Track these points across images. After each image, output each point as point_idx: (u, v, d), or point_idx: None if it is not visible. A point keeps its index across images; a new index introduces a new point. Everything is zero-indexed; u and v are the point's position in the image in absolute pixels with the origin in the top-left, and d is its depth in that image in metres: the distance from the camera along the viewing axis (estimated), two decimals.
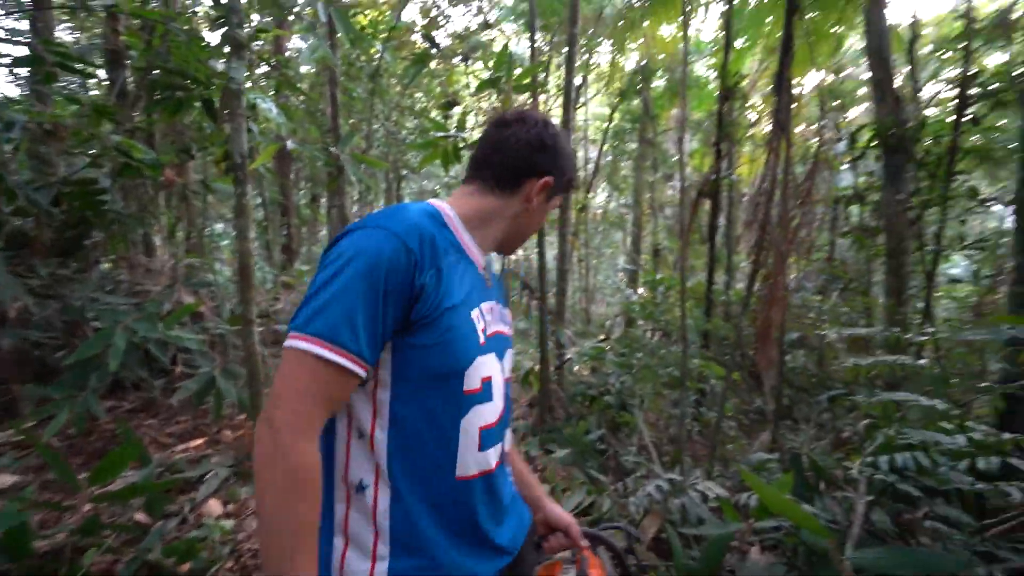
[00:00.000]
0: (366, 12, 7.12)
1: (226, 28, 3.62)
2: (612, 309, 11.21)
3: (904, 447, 1.76)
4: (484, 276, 0.99)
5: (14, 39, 4.23)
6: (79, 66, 3.39)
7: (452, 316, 0.84)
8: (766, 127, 8.84)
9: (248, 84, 3.68)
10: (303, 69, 8.63)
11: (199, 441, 3.24)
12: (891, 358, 1.53)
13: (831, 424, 4.13)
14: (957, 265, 5.85)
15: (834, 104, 2.93)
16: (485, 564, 0.91)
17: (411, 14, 9.16)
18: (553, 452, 3.77)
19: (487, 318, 0.94)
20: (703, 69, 9.66)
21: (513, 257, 9.32)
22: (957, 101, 4.12)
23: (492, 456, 0.93)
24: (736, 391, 3.78)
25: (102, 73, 4.60)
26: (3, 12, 6.02)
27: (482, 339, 0.90)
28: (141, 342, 2.85)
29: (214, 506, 2.32)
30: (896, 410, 2.05)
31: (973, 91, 4.00)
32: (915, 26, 4.07)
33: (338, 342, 0.75)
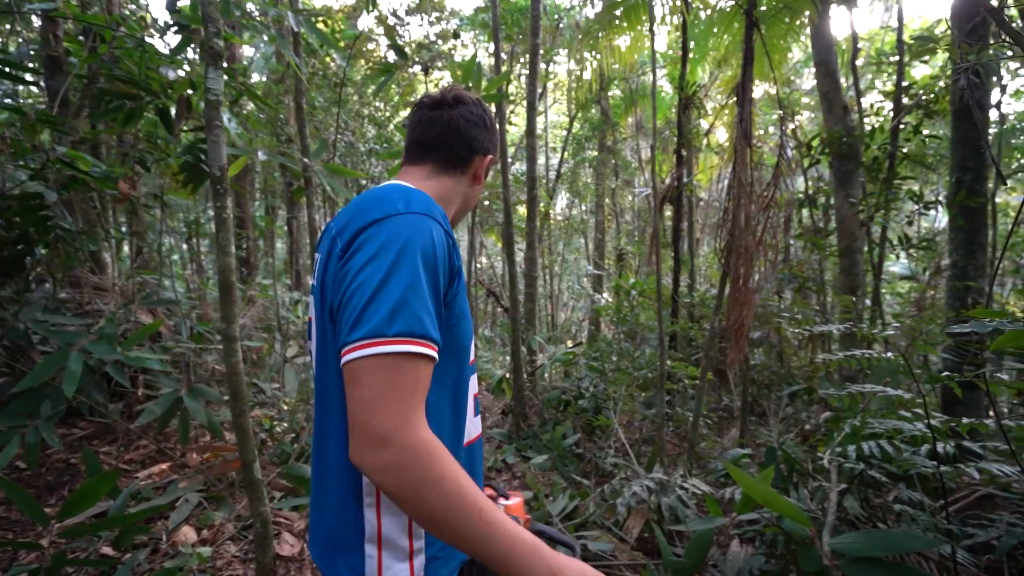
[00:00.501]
0: (324, 20, 7.01)
1: (180, 35, 3.50)
2: (578, 314, 11.37)
3: (870, 436, 1.88)
4: None
5: None
6: (18, 72, 3.19)
7: (464, 293, 0.87)
8: (719, 133, 9.23)
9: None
10: (255, 77, 8.40)
11: (163, 466, 3.08)
12: (859, 352, 1.64)
13: (794, 418, 4.33)
14: (896, 263, 6.27)
15: (783, 113, 3.10)
16: None
17: (367, 22, 9.08)
18: (531, 458, 3.79)
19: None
20: (657, 79, 10.01)
21: (478, 265, 9.32)
22: (893, 111, 4.44)
23: (479, 419, 1.00)
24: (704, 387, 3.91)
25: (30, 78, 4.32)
26: None
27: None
28: (98, 365, 2.69)
29: (188, 533, 2.21)
30: (859, 401, 2.18)
31: (906, 101, 4.33)
32: (854, 41, 4.36)
33: (427, 336, 0.72)
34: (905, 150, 3.98)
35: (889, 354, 1.61)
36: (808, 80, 12.42)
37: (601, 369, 4.35)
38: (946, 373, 1.78)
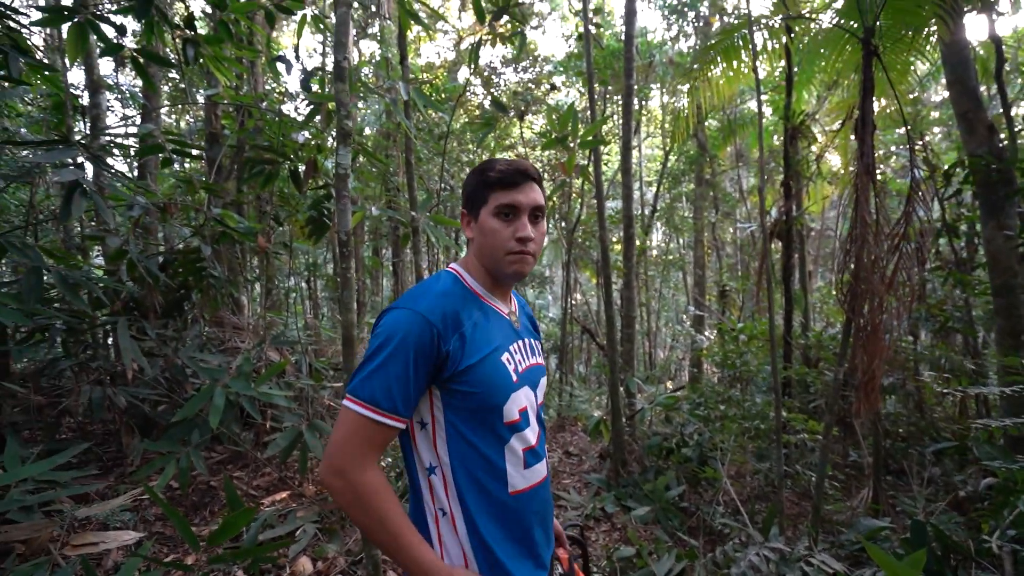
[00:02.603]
0: (428, 79, 7.63)
1: (311, 106, 3.99)
2: (677, 352, 10.83)
3: None
4: (511, 320, 1.15)
5: (130, 132, 4.85)
6: (186, 148, 3.82)
7: (482, 366, 1.01)
8: (832, 160, 8.53)
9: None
10: (366, 131, 9.29)
11: (284, 494, 3.35)
12: None
13: (942, 480, 3.72)
14: None
15: (910, 135, 2.75)
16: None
17: (465, 73, 9.72)
18: (632, 508, 3.61)
19: (517, 357, 1.10)
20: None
21: (572, 302, 9.29)
22: None
23: (540, 469, 1.11)
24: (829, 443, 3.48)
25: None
26: (122, 105, 6.91)
27: (515, 377, 1.06)
28: (235, 399, 3.03)
29: (306, 564, 2.37)
30: None
31: None
32: (998, 48, 3.83)
33: (378, 404, 0.94)
34: None
35: None
36: (936, 93, 11.17)
37: (706, 416, 4.08)
38: None
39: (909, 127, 2.85)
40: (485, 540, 1.00)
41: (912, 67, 4.61)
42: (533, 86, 8.97)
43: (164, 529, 2.72)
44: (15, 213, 6.00)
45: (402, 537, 0.94)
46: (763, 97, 8.99)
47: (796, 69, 5.27)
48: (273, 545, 1.99)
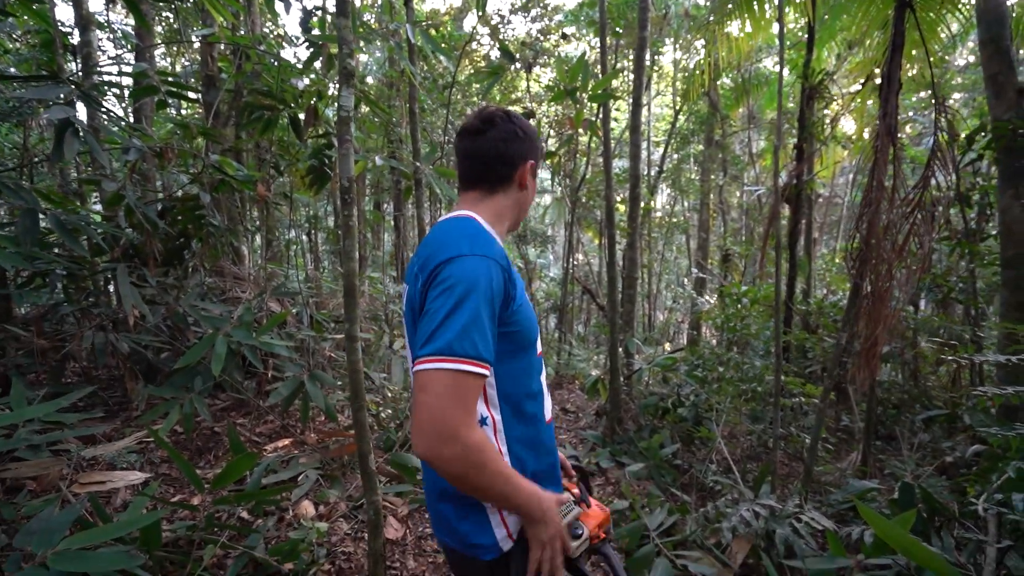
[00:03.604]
0: (433, 26, 7.31)
1: (311, 49, 3.83)
2: (677, 315, 10.88)
3: None
4: None
5: (124, 72, 4.68)
6: (182, 91, 3.69)
7: (524, 303, 1.05)
8: (846, 123, 8.29)
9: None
10: (368, 80, 8.98)
11: (286, 441, 3.42)
12: None
13: (931, 446, 3.80)
14: None
15: (936, 101, 2.62)
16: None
17: (471, 22, 9.32)
18: (626, 465, 3.70)
19: (526, 294, 1.12)
20: (774, 64, 9.20)
21: (574, 262, 9.25)
22: None
23: (550, 398, 1.19)
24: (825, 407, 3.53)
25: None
26: (114, 45, 6.65)
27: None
28: (237, 348, 3.04)
29: (308, 507, 2.44)
30: None
31: None
32: None
33: (480, 357, 0.89)
34: None
35: None
36: (961, 56, 10.73)
37: (703, 378, 4.12)
38: None
39: (934, 89, 2.73)
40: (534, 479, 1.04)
41: (942, 26, 4.39)
42: (542, 36, 8.61)
43: (170, 471, 2.79)
44: (9, 156, 5.88)
45: (512, 478, 0.94)
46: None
47: (818, 24, 5.02)
48: (276, 489, 2.05)
